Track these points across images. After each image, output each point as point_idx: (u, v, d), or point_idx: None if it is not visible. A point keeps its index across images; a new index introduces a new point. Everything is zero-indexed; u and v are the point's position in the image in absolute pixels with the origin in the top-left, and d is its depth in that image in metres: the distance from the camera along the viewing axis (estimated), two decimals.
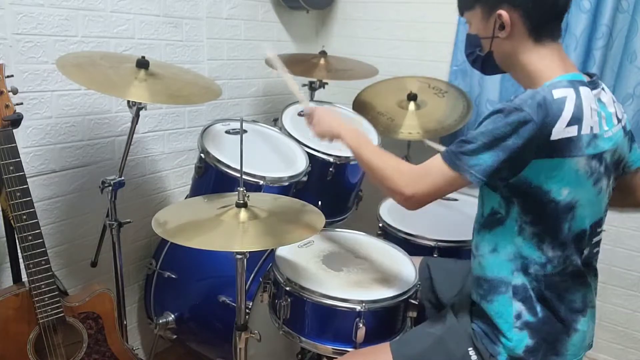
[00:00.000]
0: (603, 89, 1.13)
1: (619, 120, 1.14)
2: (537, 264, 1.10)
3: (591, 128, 1.05)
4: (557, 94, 1.02)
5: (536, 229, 1.09)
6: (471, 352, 1.17)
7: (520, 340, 1.12)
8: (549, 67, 1.10)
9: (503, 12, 1.09)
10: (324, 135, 1.34)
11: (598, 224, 1.15)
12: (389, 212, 1.82)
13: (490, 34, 1.14)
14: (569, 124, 1.01)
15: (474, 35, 1.18)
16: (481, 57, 1.19)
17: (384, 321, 1.31)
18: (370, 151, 1.23)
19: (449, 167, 1.07)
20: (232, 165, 1.57)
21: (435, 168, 1.10)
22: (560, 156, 1.02)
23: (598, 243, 1.18)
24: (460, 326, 1.22)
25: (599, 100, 1.10)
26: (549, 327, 1.12)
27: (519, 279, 1.12)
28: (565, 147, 1.02)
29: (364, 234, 1.61)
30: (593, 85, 1.09)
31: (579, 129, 1.03)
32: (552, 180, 1.04)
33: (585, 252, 1.13)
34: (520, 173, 1.04)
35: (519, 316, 1.12)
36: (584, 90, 1.05)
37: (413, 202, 1.13)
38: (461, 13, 1.22)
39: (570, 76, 1.08)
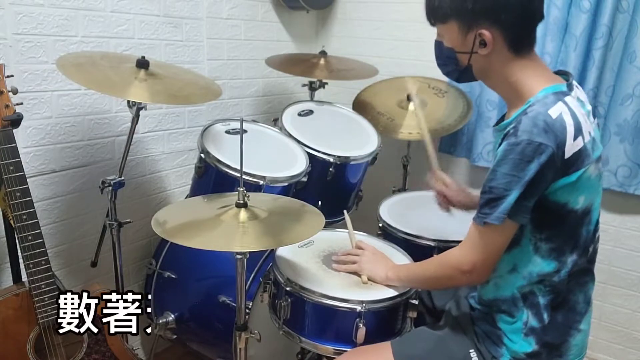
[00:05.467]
0: (577, 86, 1.13)
1: (594, 115, 1.15)
2: (553, 273, 1.10)
3: (589, 133, 1.06)
4: (553, 113, 1.01)
5: (553, 244, 1.09)
6: (473, 354, 1.17)
7: (525, 344, 1.12)
8: (530, 77, 1.09)
9: (485, 32, 1.06)
10: (371, 277, 1.34)
11: (599, 218, 1.16)
12: (389, 212, 1.81)
13: (469, 50, 1.10)
14: (575, 138, 1.02)
15: (449, 49, 1.13)
16: (459, 71, 1.15)
17: (384, 321, 1.31)
18: (418, 271, 1.27)
19: (484, 227, 1.07)
20: (232, 165, 1.57)
21: (475, 236, 1.09)
22: (575, 170, 1.03)
23: (599, 237, 1.18)
24: (462, 328, 1.23)
25: (578, 99, 1.10)
26: (554, 331, 1.12)
27: (530, 288, 1.12)
28: (578, 159, 1.02)
29: (364, 234, 1.61)
30: (569, 87, 1.09)
31: (583, 139, 1.03)
32: (569, 193, 1.05)
33: (591, 249, 1.14)
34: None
35: (526, 323, 1.12)
36: (570, 100, 1.05)
37: (478, 273, 1.12)
38: (432, 24, 1.17)
39: (552, 88, 1.06)
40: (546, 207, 1.05)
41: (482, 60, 1.10)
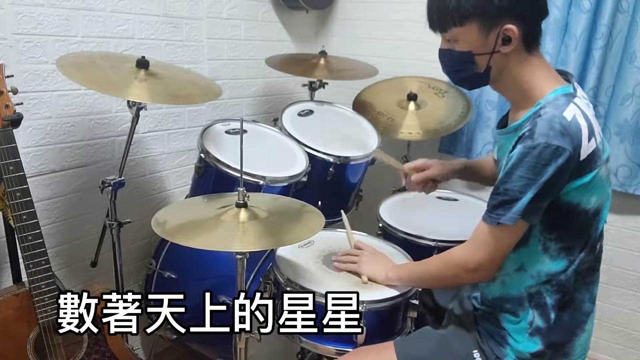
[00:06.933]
0: (578, 87, 1.12)
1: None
2: (561, 272, 1.10)
3: (599, 134, 1.06)
4: (568, 115, 1.00)
5: (563, 244, 1.08)
6: (476, 354, 1.17)
7: (530, 344, 1.12)
8: (540, 78, 1.09)
9: (511, 26, 1.04)
10: (371, 277, 1.33)
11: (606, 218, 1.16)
12: (389, 212, 1.81)
13: (490, 50, 1.07)
14: (589, 139, 1.01)
15: (465, 53, 1.10)
16: (476, 75, 1.12)
17: (385, 321, 1.31)
18: (419, 270, 1.26)
19: (495, 227, 1.06)
20: (232, 165, 1.57)
21: (485, 235, 1.09)
22: (589, 171, 1.03)
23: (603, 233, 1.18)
24: (464, 328, 1.23)
25: (584, 98, 1.10)
26: (561, 331, 1.12)
27: (537, 288, 1.12)
28: (592, 161, 1.03)
29: (363, 234, 1.61)
30: (574, 89, 1.08)
31: (595, 140, 1.03)
32: (582, 194, 1.05)
33: (598, 246, 1.14)
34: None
35: (531, 322, 1.12)
36: (579, 102, 1.05)
37: (484, 272, 1.12)
38: (443, 30, 1.11)
39: (561, 90, 1.06)
40: (558, 208, 1.05)
41: (501, 59, 1.08)
